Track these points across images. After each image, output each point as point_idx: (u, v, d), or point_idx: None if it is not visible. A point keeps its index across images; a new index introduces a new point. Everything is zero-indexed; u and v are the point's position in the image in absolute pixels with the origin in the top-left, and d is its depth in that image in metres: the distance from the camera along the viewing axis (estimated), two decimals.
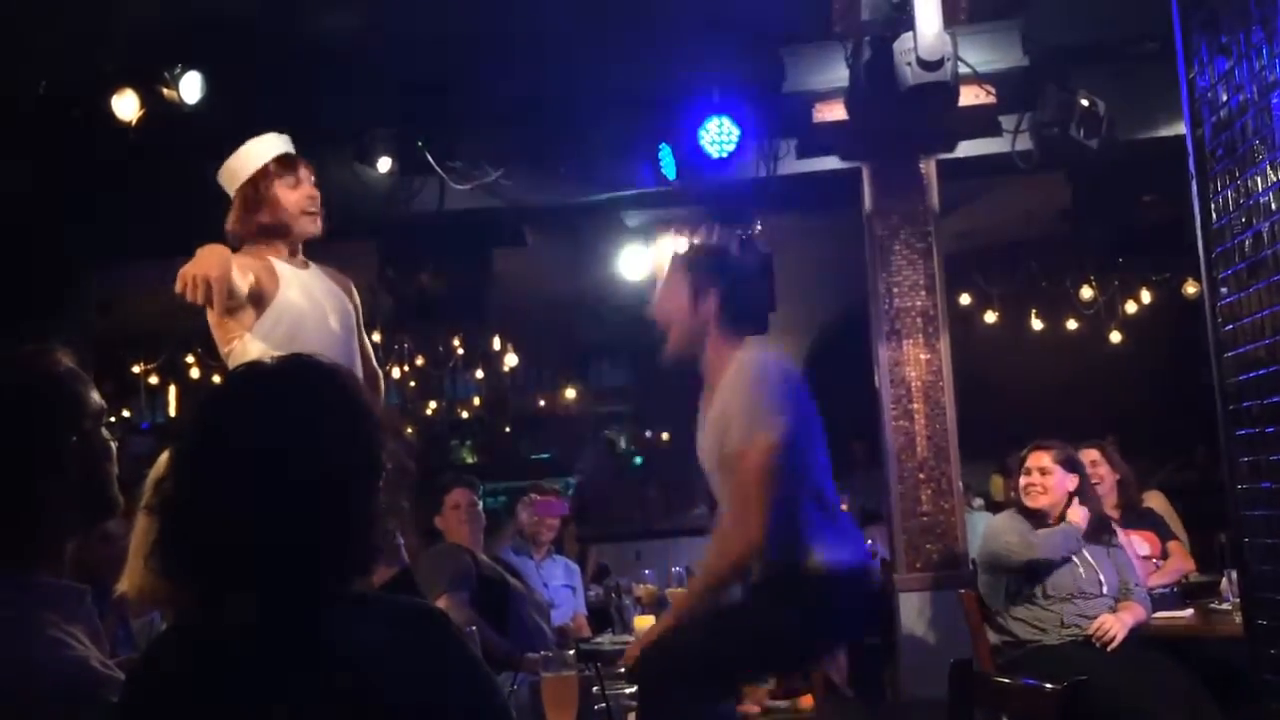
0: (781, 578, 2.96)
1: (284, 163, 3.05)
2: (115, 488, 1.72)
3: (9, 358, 1.70)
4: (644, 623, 5.07)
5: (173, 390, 10.97)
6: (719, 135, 5.35)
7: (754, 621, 2.96)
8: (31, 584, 1.58)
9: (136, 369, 10.39)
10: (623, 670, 2.97)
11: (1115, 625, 4.04)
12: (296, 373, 1.49)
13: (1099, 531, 4.36)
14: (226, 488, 1.35)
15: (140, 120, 5.02)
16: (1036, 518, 4.33)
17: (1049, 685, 2.27)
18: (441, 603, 4.20)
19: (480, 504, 4.81)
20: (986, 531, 4.48)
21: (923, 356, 5.62)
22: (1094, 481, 4.76)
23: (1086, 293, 9.87)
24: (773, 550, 2.93)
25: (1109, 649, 4.02)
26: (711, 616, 2.94)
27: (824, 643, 3.34)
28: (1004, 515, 4.48)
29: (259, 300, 2.92)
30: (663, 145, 5.50)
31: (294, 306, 2.96)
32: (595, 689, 2.60)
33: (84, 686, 1.50)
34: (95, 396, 1.71)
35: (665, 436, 12.12)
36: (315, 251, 3.17)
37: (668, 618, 3.00)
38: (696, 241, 3.28)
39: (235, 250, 2.97)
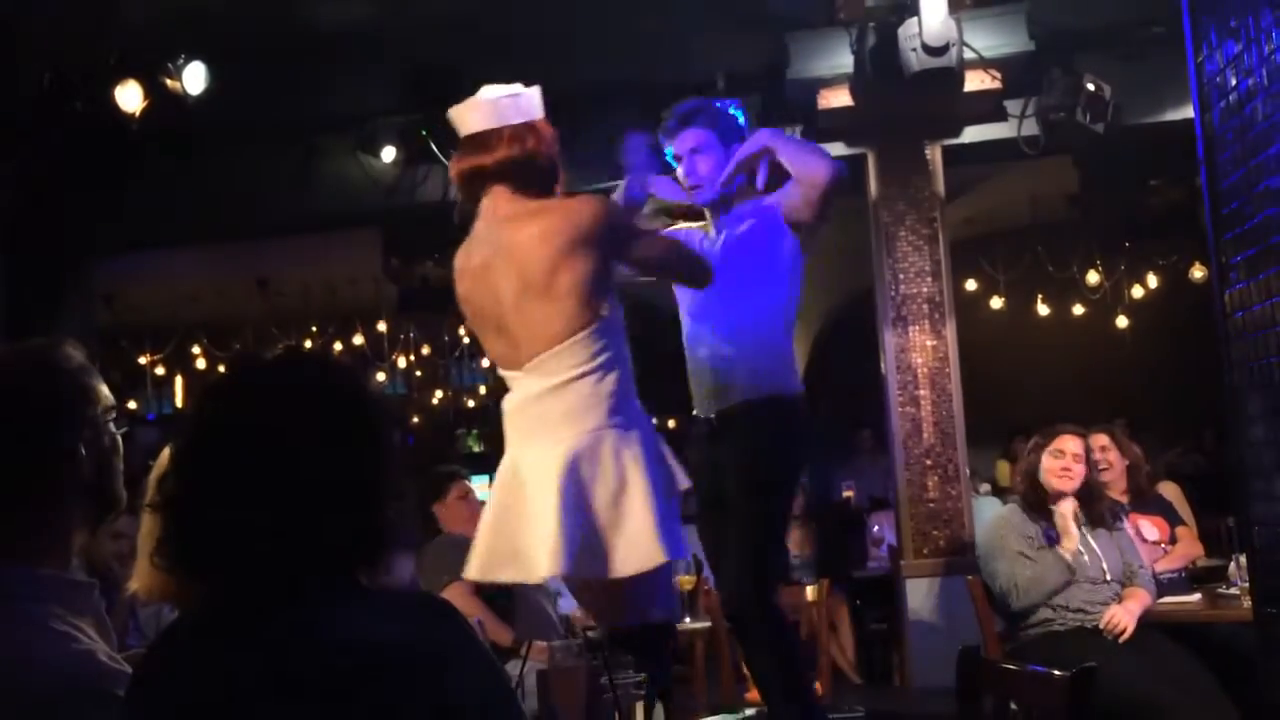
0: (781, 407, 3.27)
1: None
2: (121, 483, 1.72)
3: (20, 351, 1.70)
4: None
5: (179, 381, 10.99)
6: None
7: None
8: (39, 577, 1.58)
9: (143, 360, 10.41)
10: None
11: (1124, 618, 4.04)
12: (296, 365, 1.49)
13: (1105, 515, 4.36)
14: (229, 483, 1.35)
15: (144, 111, 5.01)
16: (1041, 510, 4.31)
17: (1057, 672, 2.27)
18: (447, 593, 4.21)
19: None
20: (990, 527, 4.46)
21: (929, 343, 5.61)
22: (1103, 467, 4.75)
23: (1093, 277, 9.85)
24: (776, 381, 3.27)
25: (1120, 641, 4.02)
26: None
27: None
28: (1009, 510, 4.47)
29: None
30: None
31: None
32: (603, 679, 2.60)
33: (91, 680, 1.51)
34: (105, 390, 1.71)
35: (671, 424, 12.11)
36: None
37: None
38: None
39: (470, 198, 2.77)
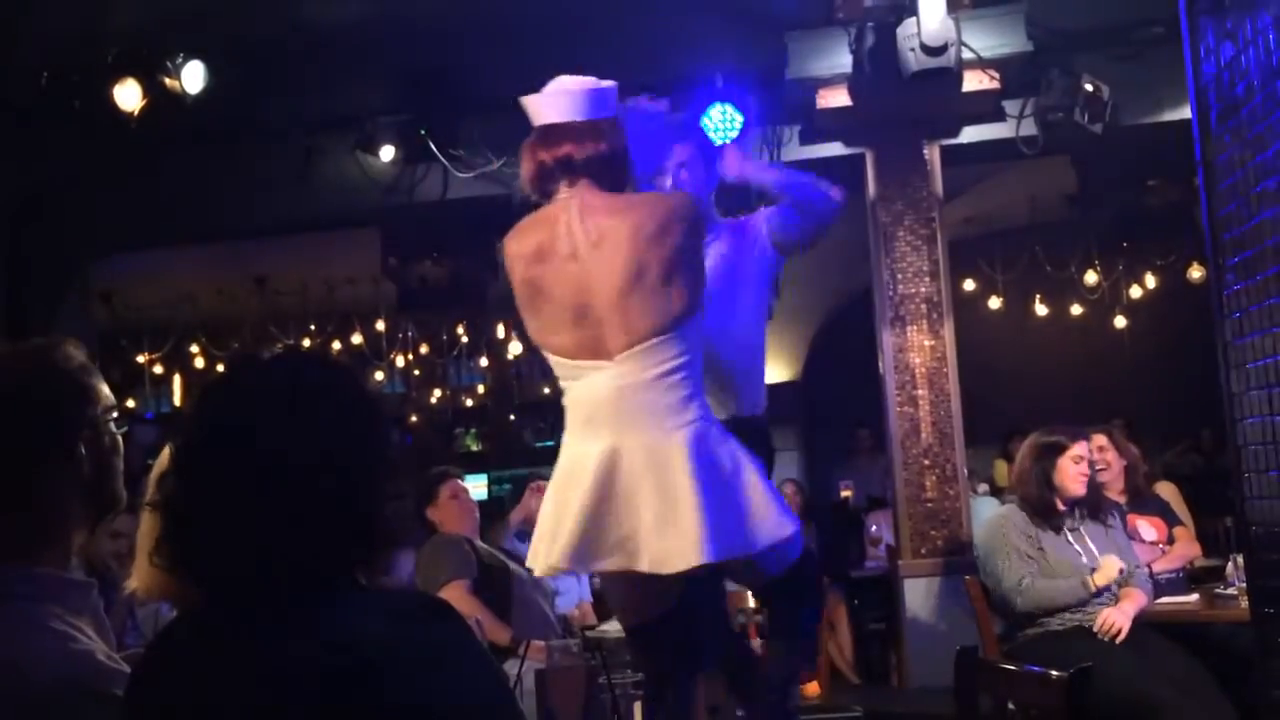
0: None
1: None
2: (121, 483, 1.72)
3: (20, 351, 1.71)
4: None
5: (177, 379, 10.99)
6: (722, 122, 5.34)
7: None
8: (38, 576, 1.59)
9: (141, 359, 10.41)
10: None
11: (1119, 619, 4.05)
12: (295, 364, 1.49)
13: (1100, 511, 4.37)
14: (228, 482, 1.35)
15: (142, 110, 5.01)
16: (1048, 514, 4.31)
17: (1054, 672, 2.28)
18: (445, 592, 4.22)
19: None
20: (990, 527, 4.45)
21: (927, 342, 5.61)
22: (1101, 467, 4.76)
23: (1091, 277, 9.86)
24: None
25: (1117, 641, 4.03)
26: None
27: None
28: (1009, 510, 4.46)
29: None
30: None
31: None
32: (601, 679, 2.61)
33: (89, 679, 1.51)
34: (105, 390, 1.71)
35: None
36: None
37: None
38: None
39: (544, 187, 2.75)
